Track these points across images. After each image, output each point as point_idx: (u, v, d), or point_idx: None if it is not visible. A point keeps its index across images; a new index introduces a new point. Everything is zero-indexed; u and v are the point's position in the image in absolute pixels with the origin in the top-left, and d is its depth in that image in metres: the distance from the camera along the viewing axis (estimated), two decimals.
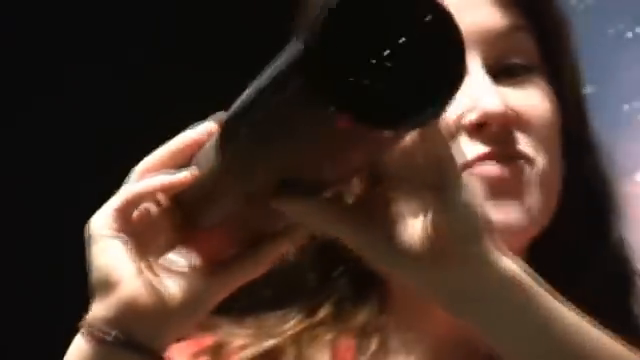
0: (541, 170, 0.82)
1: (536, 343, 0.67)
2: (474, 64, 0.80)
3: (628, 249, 0.88)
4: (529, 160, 0.81)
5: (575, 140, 0.86)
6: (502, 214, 0.80)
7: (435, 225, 0.61)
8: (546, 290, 0.66)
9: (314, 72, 0.57)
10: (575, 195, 0.85)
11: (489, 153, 0.80)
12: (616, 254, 0.87)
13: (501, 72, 0.82)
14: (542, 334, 0.66)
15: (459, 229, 0.61)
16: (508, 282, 0.64)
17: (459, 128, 0.80)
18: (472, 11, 0.82)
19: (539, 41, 0.84)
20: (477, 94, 0.79)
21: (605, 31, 1.90)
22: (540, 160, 0.82)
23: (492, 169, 0.80)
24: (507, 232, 0.77)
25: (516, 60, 0.83)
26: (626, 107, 1.90)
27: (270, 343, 0.87)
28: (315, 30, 0.57)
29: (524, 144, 0.81)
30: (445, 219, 0.61)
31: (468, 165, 0.79)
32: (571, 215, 0.84)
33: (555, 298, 0.66)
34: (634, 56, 1.88)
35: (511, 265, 0.65)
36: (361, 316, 0.87)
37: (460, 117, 0.79)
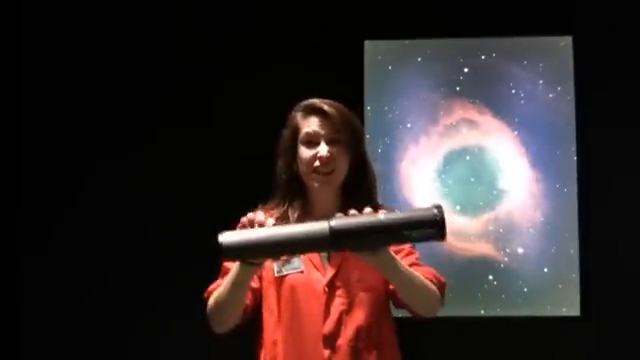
0: (337, 173, 2.46)
1: (406, 278, 2.33)
2: (322, 142, 2.44)
3: (372, 186, 2.53)
4: (333, 171, 2.46)
5: (359, 157, 2.52)
6: (326, 184, 2.48)
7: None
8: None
9: (443, 229, 2.14)
10: (361, 174, 2.52)
11: (317, 167, 2.45)
12: (369, 185, 2.53)
13: (330, 142, 2.45)
14: (407, 275, 2.34)
15: (385, 251, 2.29)
16: (395, 259, 2.31)
17: (315, 158, 2.45)
18: (323, 128, 2.46)
19: (344, 135, 2.46)
20: (322, 148, 2.45)
21: (399, 127, 4.32)
22: (337, 169, 2.46)
23: (321, 176, 2.46)
24: (329, 185, 2.47)
25: (334, 139, 2.46)
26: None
27: (281, 211, 2.49)
28: (440, 219, 2.14)
29: (332, 165, 2.45)
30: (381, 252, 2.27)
31: (314, 171, 2.44)
32: (355, 177, 2.51)
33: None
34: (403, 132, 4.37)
35: (394, 255, 2.30)
36: (299, 201, 2.52)
37: (316, 154, 2.45)
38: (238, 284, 2.33)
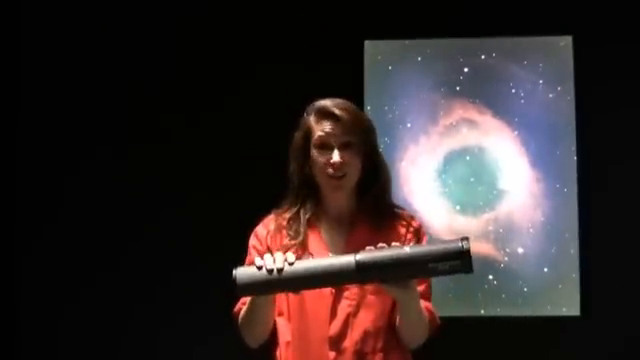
0: (349, 176, 2.43)
1: (416, 317, 2.38)
2: (334, 147, 2.41)
3: (385, 185, 2.51)
4: (345, 175, 2.42)
5: (373, 159, 2.49)
6: (338, 188, 2.45)
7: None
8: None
9: (469, 262, 2.14)
10: (374, 173, 2.49)
11: (331, 174, 2.42)
12: (381, 185, 2.51)
13: (342, 146, 2.42)
14: (419, 315, 2.39)
15: (412, 288, 2.31)
16: (417, 299, 2.36)
17: (328, 164, 2.41)
18: (335, 132, 2.42)
19: (355, 137, 2.44)
20: (334, 155, 2.41)
21: (399, 126, 4.33)
22: (349, 174, 2.43)
23: (334, 180, 2.43)
24: (341, 190, 2.46)
25: (346, 142, 2.42)
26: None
27: (293, 212, 2.49)
28: (467, 251, 2.13)
29: (345, 169, 2.41)
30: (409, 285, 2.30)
31: (329, 177, 2.42)
32: (368, 176, 2.49)
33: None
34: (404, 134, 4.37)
35: (416, 290, 2.34)
36: (312, 202, 2.50)
37: (329, 160, 2.41)
38: (259, 311, 2.38)
